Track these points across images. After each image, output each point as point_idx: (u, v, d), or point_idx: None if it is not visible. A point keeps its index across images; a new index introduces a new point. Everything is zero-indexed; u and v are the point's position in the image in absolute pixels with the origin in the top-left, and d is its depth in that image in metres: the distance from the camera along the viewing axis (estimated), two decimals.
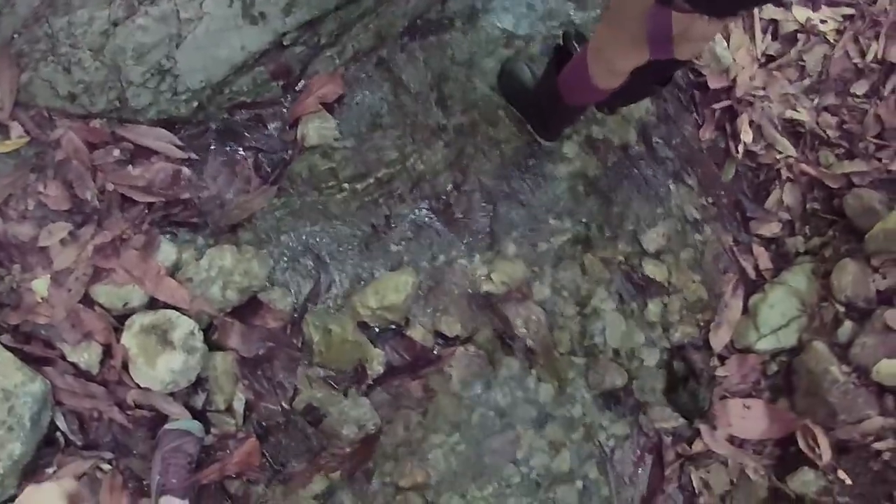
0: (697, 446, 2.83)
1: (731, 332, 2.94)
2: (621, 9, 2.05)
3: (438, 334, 2.76)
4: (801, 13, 3.17)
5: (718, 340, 2.92)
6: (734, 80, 3.06)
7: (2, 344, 2.44)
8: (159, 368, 2.46)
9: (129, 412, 2.52)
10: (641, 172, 3.01)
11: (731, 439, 2.83)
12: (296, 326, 2.68)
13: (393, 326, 2.73)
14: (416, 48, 2.94)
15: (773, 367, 2.91)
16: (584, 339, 2.86)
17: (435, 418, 2.73)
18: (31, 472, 2.43)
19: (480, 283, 2.80)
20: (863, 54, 3.14)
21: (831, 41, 3.16)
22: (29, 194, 2.58)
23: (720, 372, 2.89)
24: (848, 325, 2.82)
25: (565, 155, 2.95)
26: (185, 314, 2.54)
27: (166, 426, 2.52)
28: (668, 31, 1.86)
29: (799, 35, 3.17)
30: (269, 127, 2.80)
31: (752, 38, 3.12)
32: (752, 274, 3.01)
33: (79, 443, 2.51)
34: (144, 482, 2.55)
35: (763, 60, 3.14)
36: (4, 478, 2.36)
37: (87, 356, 2.49)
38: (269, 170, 2.78)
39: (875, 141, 3.03)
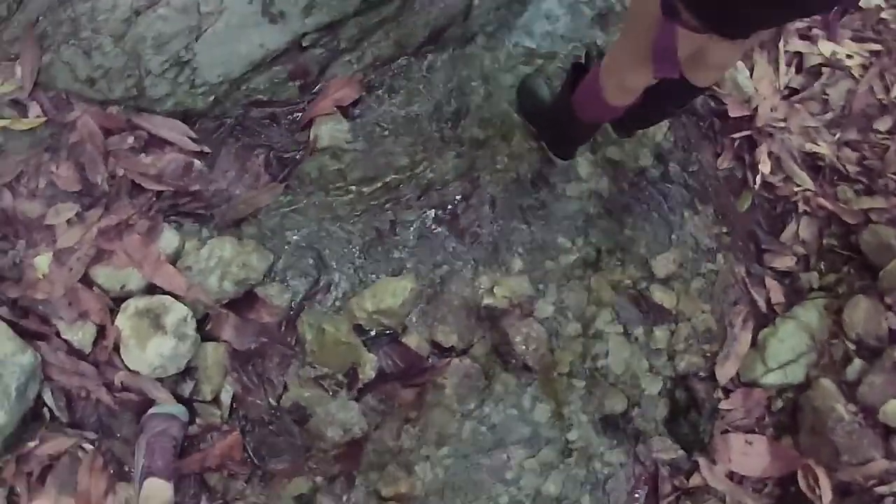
0: (695, 480, 2.67)
1: (737, 365, 2.80)
2: (633, 23, 1.98)
3: (434, 344, 2.66)
4: (826, 47, 3.07)
5: (724, 372, 2.78)
6: (755, 111, 2.96)
7: None
8: (149, 352, 2.42)
9: (116, 394, 2.47)
10: (656, 197, 2.90)
11: (731, 475, 2.67)
12: (291, 324, 2.62)
13: (389, 332, 2.64)
14: (436, 60, 2.90)
15: (779, 403, 2.76)
16: (585, 362, 2.74)
17: (425, 429, 2.62)
18: (12, 444, 2.39)
19: (482, 295, 2.70)
20: (887, 90, 3.03)
21: (856, 76, 3.05)
22: (41, 173, 2.58)
23: (724, 405, 2.75)
24: (857, 362, 2.68)
25: (579, 174, 2.86)
26: (180, 301, 2.50)
27: (151, 410, 2.46)
28: (672, 48, 1.74)
29: (823, 69, 3.08)
30: (282, 126, 2.77)
31: (776, 69, 3.02)
32: (763, 307, 2.87)
33: (64, 420, 2.47)
34: (125, 466, 2.49)
35: (786, 92, 3.05)
36: None
37: (81, 335, 2.46)
38: (278, 168, 2.75)
39: (895, 178, 2.92)
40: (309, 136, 2.77)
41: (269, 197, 2.69)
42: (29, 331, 2.45)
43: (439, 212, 2.77)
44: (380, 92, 2.84)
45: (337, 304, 2.66)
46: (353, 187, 2.74)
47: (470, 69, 2.91)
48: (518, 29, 2.98)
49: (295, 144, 2.77)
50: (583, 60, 2.76)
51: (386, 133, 2.81)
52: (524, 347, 2.69)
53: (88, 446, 2.48)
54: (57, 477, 2.44)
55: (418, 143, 2.81)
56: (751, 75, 3.00)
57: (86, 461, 2.45)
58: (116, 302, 2.50)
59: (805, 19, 3.02)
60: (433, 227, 2.76)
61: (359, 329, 2.63)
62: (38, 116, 2.60)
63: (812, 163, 3.00)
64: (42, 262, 2.50)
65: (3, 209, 2.52)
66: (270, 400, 2.57)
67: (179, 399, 2.50)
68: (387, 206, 2.74)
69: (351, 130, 2.78)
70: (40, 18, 2.62)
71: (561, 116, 2.61)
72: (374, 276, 2.69)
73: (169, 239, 2.55)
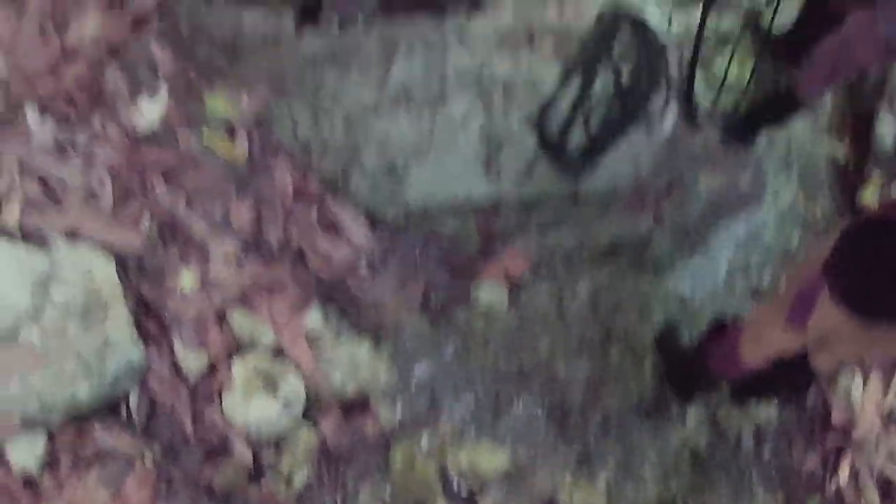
0: None
1: None
2: (791, 282, 2.02)
3: None
4: None
5: None
6: (855, 426, 2.87)
7: (125, 302, 2.20)
8: (253, 408, 2.23)
9: (198, 426, 2.27)
10: (741, 469, 2.78)
11: None
12: (386, 443, 2.44)
13: (468, 489, 2.46)
14: (604, 272, 2.83)
15: None
16: None
17: None
18: (78, 420, 2.15)
19: (559, 495, 2.55)
20: None
21: None
22: (220, 202, 2.44)
23: None
24: None
25: (686, 422, 2.76)
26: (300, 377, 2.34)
27: None
28: (813, 298, 1.80)
29: None
30: (449, 267, 2.67)
31: (886, 393, 2.94)
32: None
33: (137, 425, 2.23)
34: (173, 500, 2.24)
35: (887, 419, 2.96)
36: (52, 408, 2.07)
37: (192, 361, 2.27)
38: (433, 300, 2.63)
39: None
40: (470, 288, 2.67)
41: (415, 322, 2.58)
42: (145, 329, 2.24)
43: (555, 407, 2.64)
44: (546, 277, 2.76)
45: (434, 443, 2.49)
46: (491, 349, 2.63)
47: (631, 290, 2.84)
48: (681, 272, 2.92)
49: (454, 287, 2.67)
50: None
51: (539, 317, 2.72)
52: None
53: (150, 460, 2.23)
54: (104, 470, 2.19)
55: (560, 338, 2.71)
56: (863, 389, 2.94)
57: (140, 471, 2.20)
58: (238, 344, 2.33)
59: None
60: (544, 417, 2.62)
61: (443, 472, 2.46)
62: (241, 151, 2.49)
63: (886, 488, 2.89)
64: (188, 277, 2.33)
65: (173, 214, 2.37)
66: (338, 501, 2.38)
67: (255, 457, 2.27)
68: (515, 380, 2.63)
69: (509, 300, 2.70)
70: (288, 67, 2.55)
71: (693, 357, 2.58)
72: (477, 435, 2.54)
73: (314, 318, 2.41)
